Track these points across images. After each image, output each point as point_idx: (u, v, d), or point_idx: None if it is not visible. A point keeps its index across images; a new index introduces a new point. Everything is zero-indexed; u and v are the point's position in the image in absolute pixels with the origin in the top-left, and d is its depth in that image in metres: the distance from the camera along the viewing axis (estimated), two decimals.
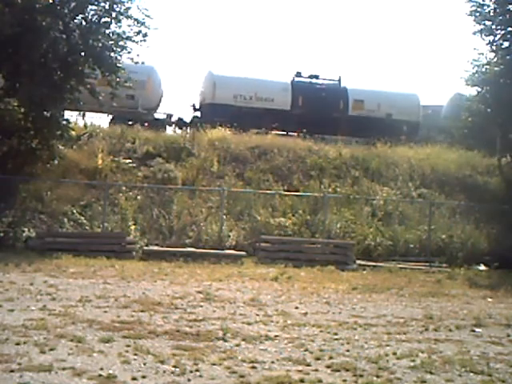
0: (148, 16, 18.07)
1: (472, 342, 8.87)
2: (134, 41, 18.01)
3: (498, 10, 22.09)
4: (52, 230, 16.63)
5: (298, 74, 29.18)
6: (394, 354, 7.84)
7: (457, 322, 10.22)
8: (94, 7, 17.88)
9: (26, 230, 16.14)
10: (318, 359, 7.43)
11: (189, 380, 6.42)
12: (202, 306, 10.19)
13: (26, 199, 17.24)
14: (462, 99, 28.13)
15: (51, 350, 7.07)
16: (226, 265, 15.49)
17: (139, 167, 20.05)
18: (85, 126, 22.02)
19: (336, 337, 8.63)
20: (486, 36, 22.40)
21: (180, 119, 27.80)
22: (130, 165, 19.85)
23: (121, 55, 18.05)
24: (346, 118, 27.92)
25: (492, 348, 8.60)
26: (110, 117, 26.09)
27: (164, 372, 6.59)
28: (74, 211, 17.23)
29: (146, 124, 25.44)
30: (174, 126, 27.32)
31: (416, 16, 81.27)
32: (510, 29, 22.21)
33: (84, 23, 17.85)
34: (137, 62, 18.50)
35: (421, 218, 19.77)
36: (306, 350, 7.81)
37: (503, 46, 22.45)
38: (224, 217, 17.89)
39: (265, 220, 18.30)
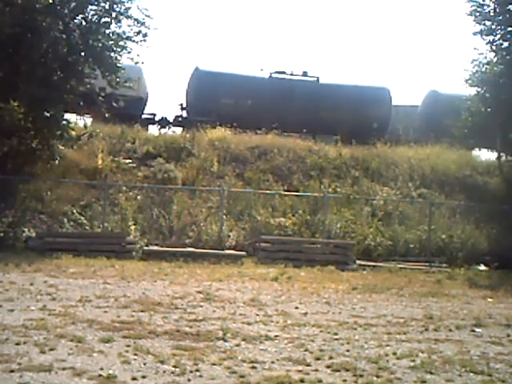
0: (148, 16, 18.11)
1: (472, 342, 8.87)
2: (134, 41, 18.02)
3: (498, 10, 22.10)
4: (52, 230, 16.63)
5: None
6: (394, 353, 7.84)
7: (457, 322, 10.22)
8: (94, 7, 17.89)
9: (26, 230, 16.14)
10: (318, 359, 7.43)
11: (189, 380, 6.42)
12: (202, 306, 10.19)
13: (26, 199, 17.23)
14: (199, 72, 27.18)
15: (51, 350, 7.06)
16: (225, 265, 15.49)
17: (139, 167, 20.05)
18: (85, 126, 22.02)
19: (336, 337, 8.63)
20: (486, 36, 22.42)
21: None
22: (130, 165, 19.85)
23: (121, 55, 18.06)
24: None
25: (492, 348, 8.60)
26: None
27: (164, 372, 6.59)
28: (74, 211, 17.23)
29: None
30: None
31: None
32: (510, 29, 22.22)
33: (84, 23, 17.85)
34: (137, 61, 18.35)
35: (421, 218, 19.77)
36: (306, 350, 7.81)
37: (503, 46, 22.46)
38: (224, 217, 17.88)
39: (265, 220, 18.29)
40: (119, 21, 17.92)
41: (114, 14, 17.81)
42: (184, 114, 27.60)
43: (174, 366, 6.77)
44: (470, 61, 23.25)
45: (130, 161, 20.03)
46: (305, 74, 28.14)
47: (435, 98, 29.46)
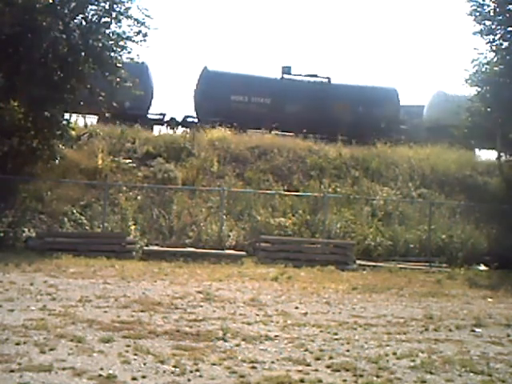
0: (148, 16, 18.08)
1: (472, 342, 8.87)
2: (134, 41, 18.02)
3: (498, 10, 22.10)
4: (52, 230, 16.62)
5: None
6: (394, 353, 7.84)
7: (457, 322, 10.22)
8: (94, 7, 17.87)
9: (26, 229, 16.14)
10: (318, 359, 7.43)
11: (189, 380, 6.42)
12: (202, 306, 10.19)
13: (26, 199, 17.23)
14: None
15: (51, 350, 7.06)
16: (225, 265, 15.49)
17: (139, 167, 20.04)
18: (85, 125, 22.02)
19: (336, 337, 8.63)
20: (486, 36, 22.43)
21: None
22: (130, 165, 19.85)
23: (121, 55, 18.06)
24: None
25: (492, 348, 8.60)
26: None
27: (164, 372, 6.59)
28: (74, 211, 17.23)
29: None
30: None
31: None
32: (510, 29, 22.22)
33: (84, 23, 17.84)
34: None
35: (421, 217, 19.77)
36: (306, 350, 7.81)
37: (503, 46, 22.45)
38: (224, 217, 17.88)
39: (265, 220, 18.29)
40: (119, 21, 17.91)
41: (114, 14, 17.79)
42: None
43: (174, 366, 6.77)
44: (470, 60, 23.26)
45: (130, 161, 20.03)
46: None
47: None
